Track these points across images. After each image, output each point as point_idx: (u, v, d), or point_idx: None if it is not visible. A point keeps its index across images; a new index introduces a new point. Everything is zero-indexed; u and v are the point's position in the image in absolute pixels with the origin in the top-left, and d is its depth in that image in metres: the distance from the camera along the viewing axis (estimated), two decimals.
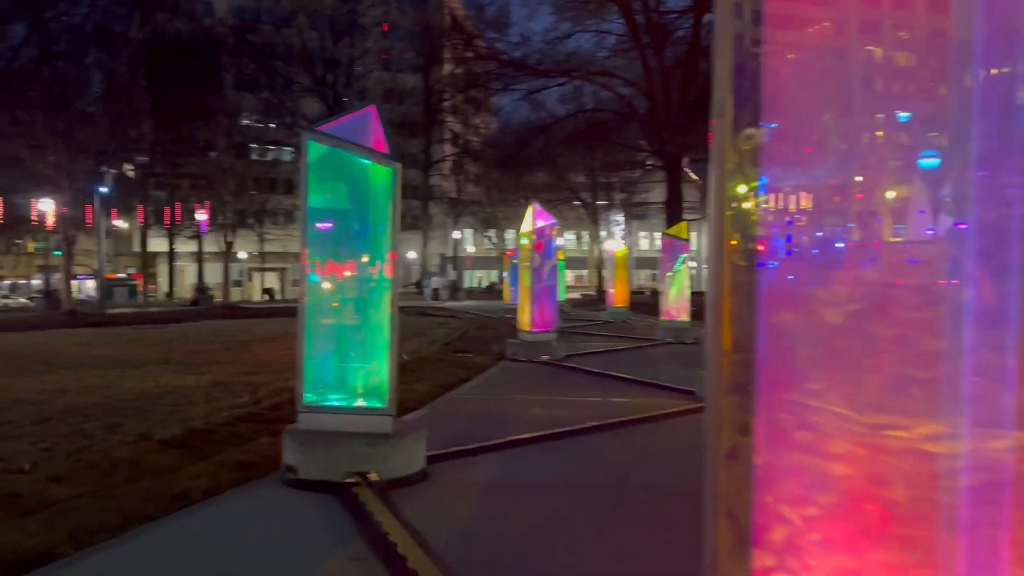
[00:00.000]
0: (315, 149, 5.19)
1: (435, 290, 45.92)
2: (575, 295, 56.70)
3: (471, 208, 58.59)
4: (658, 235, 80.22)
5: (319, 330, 5.32)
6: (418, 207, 57.71)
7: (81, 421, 7.03)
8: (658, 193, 54.60)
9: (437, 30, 50.78)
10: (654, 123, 34.15)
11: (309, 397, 5.25)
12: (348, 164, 5.29)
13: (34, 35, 35.90)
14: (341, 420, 5.17)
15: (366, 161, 5.22)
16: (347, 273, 5.30)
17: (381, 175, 5.20)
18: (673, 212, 34.01)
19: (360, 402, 5.26)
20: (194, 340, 16.68)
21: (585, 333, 18.46)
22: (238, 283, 63.47)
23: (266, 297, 56.23)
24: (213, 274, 56.76)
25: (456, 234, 59.97)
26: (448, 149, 58.47)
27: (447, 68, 52.28)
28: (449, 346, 14.20)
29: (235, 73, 53.36)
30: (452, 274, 57.07)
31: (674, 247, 16.05)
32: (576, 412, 7.81)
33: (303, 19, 53.59)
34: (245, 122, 57.35)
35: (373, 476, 4.85)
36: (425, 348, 13.69)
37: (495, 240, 63.63)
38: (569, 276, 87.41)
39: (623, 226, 62.93)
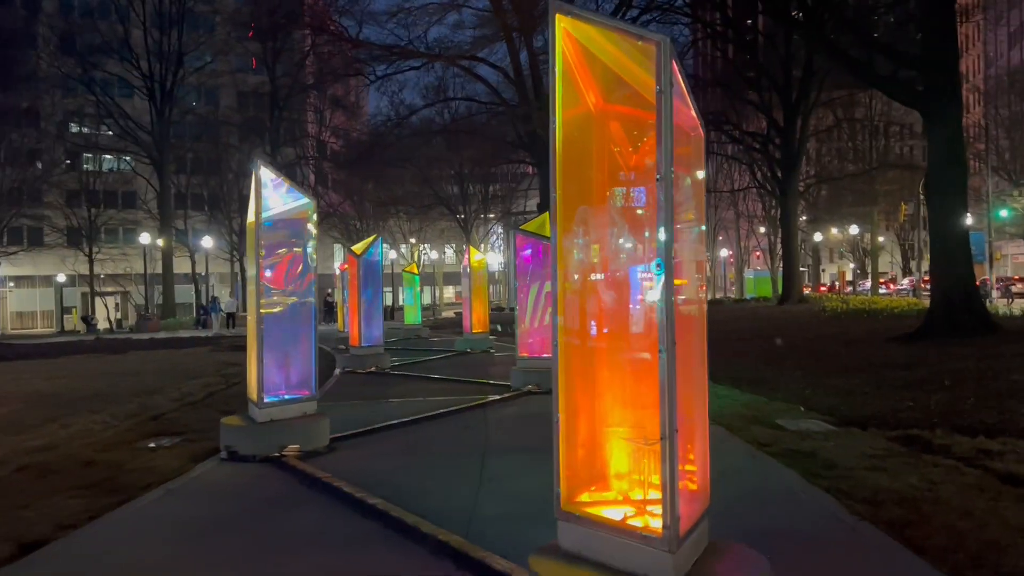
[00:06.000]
0: None
1: (229, 315, 39.48)
2: (450, 313, 51.09)
3: (330, 220, 52.09)
4: None
5: None
6: None
7: None
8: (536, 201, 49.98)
9: (284, 17, 44.41)
10: (525, 114, 29.22)
11: None
12: None
13: None
14: None
15: None
16: None
17: None
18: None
19: None
20: None
21: (417, 375, 12.93)
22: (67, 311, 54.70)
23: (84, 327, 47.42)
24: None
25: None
26: (302, 151, 51.77)
27: (296, 60, 46.04)
28: (158, 421, 8.27)
29: (48, 71, 45.58)
30: None
31: (541, 249, 10.78)
32: None
33: (123, 6, 46.28)
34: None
35: None
36: (100, 430, 7.70)
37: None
38: (450, 292, 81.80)
39: (502, 238, 58.24)
